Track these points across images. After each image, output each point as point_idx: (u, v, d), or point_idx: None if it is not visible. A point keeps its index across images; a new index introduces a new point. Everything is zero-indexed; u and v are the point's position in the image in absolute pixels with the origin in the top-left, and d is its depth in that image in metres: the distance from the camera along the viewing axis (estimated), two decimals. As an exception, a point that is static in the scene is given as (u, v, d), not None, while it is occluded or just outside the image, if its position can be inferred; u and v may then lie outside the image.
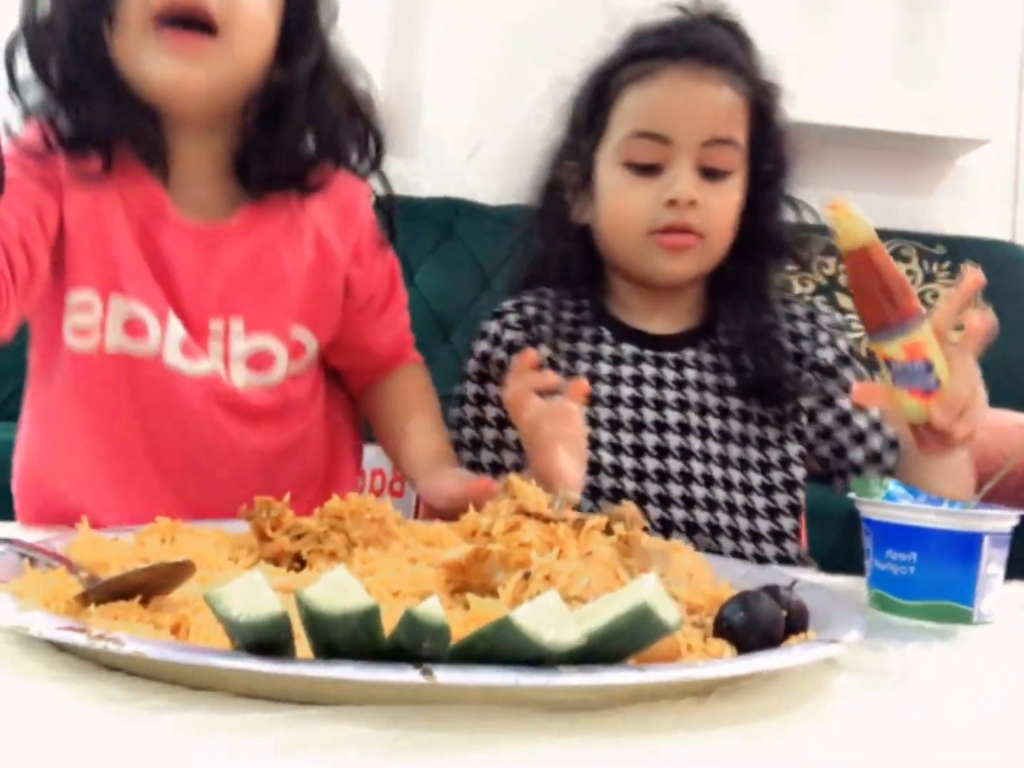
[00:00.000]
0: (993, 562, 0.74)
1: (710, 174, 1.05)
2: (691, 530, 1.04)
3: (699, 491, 1.05)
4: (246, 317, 0.95)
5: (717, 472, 1.06)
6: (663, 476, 1.06)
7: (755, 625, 0.55)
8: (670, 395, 1.09)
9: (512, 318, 1.13)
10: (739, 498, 1.06)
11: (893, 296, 0.82)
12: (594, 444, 1.05)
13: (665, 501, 1.06)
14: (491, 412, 1.10)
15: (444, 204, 2.32)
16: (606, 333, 1.12)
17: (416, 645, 0.43)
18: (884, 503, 0.78)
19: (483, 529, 0.59)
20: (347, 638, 0.43)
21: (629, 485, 1.06)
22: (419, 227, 2.28)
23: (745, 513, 1.06)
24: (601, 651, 0.46)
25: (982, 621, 0.73)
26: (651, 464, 1.06)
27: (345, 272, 1.02)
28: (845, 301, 2.28)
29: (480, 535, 0.59)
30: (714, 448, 1.07)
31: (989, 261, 2.33)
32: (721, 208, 1.06)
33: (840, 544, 1.53)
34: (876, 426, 1.08)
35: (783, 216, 1.13)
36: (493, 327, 1.12)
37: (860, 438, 1.08)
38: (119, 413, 0.94)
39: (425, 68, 2.45)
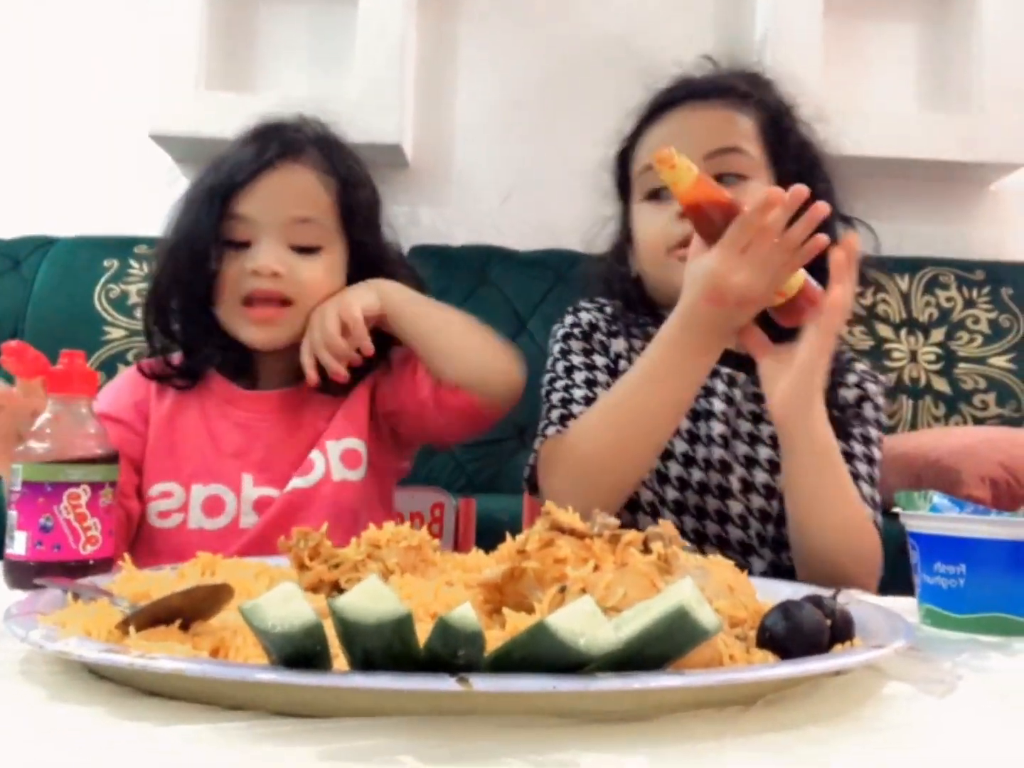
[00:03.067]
0: (1045, 571, 0.72)
1: (721, 180, 1.05)
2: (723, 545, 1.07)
3: (713, 503, 1.09)
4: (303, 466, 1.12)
5: (737, 499, 1.09)
6: (704, 488, 1.09)
7: (799, 633, 0.54)
8: (718, 405, 1.11)
9: (597, 311, 1.18)
10: (754, 525, 1.08)
11: (735, 210, 0.90)
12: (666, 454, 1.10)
13: (702, 512, 1.09)
14: (601, 377, 1.12)
15: (477, 251, 2.34)
16: None
17: (451, 653, 0.43)
18: (930, 515, 0.76)
19: (517, 546, 0.58)
20: (382, 647, 0.43)
21: (671, 494, 1.09)
22: (454, 274, 2.30)
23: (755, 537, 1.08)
24: (639, 657, 0.45)
25: (1037, 632, 0.71)
26: (697, 475, 1.09)
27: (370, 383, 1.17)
28: (885, 331, 2.26)
29: (515, 553, 0.58)
30: (739, 471, 1.09)
31: (1030, 284, 2.32)
32: None
33: (891, 572, 1.50)
34: (871, 479, 1.07)
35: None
36: (583, 310, 1.17)
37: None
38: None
39: (455, 119, 2.49)
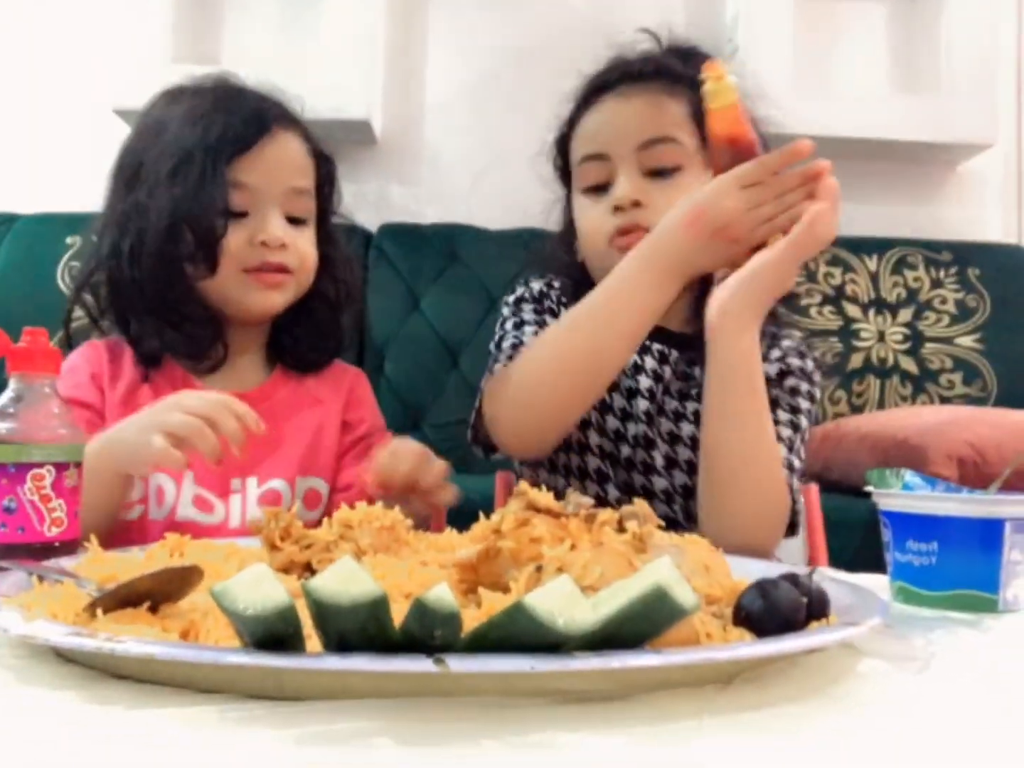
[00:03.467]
0: (1016, 548, 0.72)
1: (656, 174, 1.07)
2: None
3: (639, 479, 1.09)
4: (259, 475, 1.10)
5: (663, 473, 1.09)
6: (630, 464, 1.10)
7: (775, 612, 0.54)
8: (644, 382, 1.11)
9: (547, 285, 1.18)
10: (679, 501, 1.09)
11: (752, 153, 0.91)
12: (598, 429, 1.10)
13: (629, 488, 1.10)
14: None
15: (448, 230, 2.33)
16: None
17: (428, 634, 0.42)
18: (902, 493, 0.77)
19: (492, 526, 0.58)
20: (357, 629, 0.42)
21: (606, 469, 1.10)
22: (424, 253, 2.28)
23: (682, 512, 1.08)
24: (617, 636, 0.45)
25: (1008, 609, 0.72)
26: (625, 451, 1.10)
27: (340, 419, 1.17)
28: (852, 311, 2.27)
29: (490, 532, 0.58)
30: (662, 448, 1.09)
31: (996, 265, 2.35)
32: (672, 203, 1.03)
33: (861, 550, 1.51)
34: (790, 444, 1.06)
35: None
36: (534, 282, 1.18)
37: None
38: None
39: (426, 96, 2.47)
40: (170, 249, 1.05)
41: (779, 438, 1.03)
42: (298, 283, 1.12)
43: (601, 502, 0.74)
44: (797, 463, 1.06)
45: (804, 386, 1.10)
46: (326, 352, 1.19)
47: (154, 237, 1.05)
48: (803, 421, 1.08)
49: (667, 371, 1.12)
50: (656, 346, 1.12)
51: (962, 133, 2.37)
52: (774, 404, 1.06)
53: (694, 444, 1.07)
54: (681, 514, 1.08)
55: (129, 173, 1.10)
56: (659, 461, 1.09)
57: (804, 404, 1.10)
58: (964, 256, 2.33)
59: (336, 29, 2.30)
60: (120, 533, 1.03)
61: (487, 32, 2.47)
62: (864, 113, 2.37)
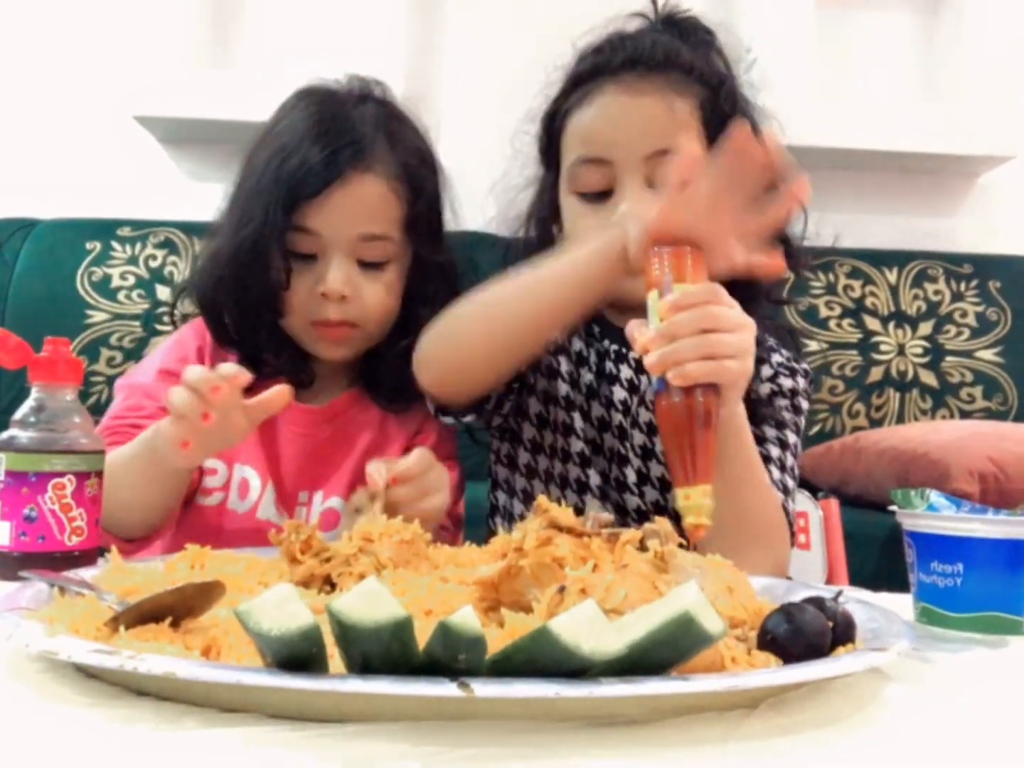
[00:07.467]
0: (1042, 571, 0.71)
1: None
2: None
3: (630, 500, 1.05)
4: (325, 491, 1.11)
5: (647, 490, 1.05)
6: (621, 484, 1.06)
7: (801, 636, 0.53)
8: (619, 394, 1.07)
9: None
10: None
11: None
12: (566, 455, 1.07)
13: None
14: None
15: (466, 238, 2.32)
16: (595, 329, 1.11)
17: (452, 657, 0.42)
18: (927, 514, 0.76)
19: (515, 544, 0.57)
20: (380, 651, 0.42)
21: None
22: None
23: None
24: (643, 662, 0.44)
25: (1033, 632, 0.71)
26: (600, 463, 1.07)
27: (406, 443, 1.14)
28: (872, 323, 2.26)
29: (512, 551, 0.57)
30: (635, 463, 1.06)
31: (1017, 278, 2.33)
32: None
33: (881, 566, 1.50)
34: (781, 463, 1.03)
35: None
36: None
37: None
38: None
39: (445, 104, 2.47)
40: (237, 294, 1.07)
41: (768, 459, 1.00)
42: (367, 334, 1.10)
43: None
44: (790, 482, 1.03)
45: (797, 402, 1.06)
46: (409, 392, 1.10)
47: (222, 281, 1.08)
48: (790, 436, 1.05)
49: (643, 381, 1.06)
50: (633, 354, 1.06)
51: (983, 145, 2.36)
52: (760, 420, 1.01)
53: None
54: None
55: (232, 191, 1.12)
56: (631, 477, 1.05)
57: (788, 417, 1.05)
58: (985, 269, 2.31)
59: (355, 37, 2.30)
60: (196, 517, 1.07)
61: (507, 41, 2.47)
62: (884, 124, 2.36)
